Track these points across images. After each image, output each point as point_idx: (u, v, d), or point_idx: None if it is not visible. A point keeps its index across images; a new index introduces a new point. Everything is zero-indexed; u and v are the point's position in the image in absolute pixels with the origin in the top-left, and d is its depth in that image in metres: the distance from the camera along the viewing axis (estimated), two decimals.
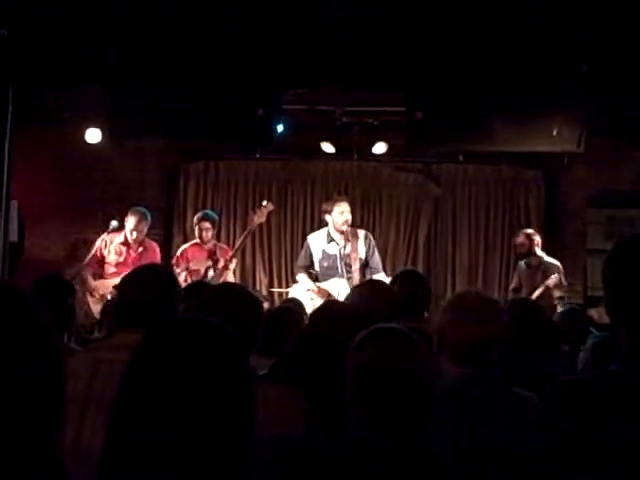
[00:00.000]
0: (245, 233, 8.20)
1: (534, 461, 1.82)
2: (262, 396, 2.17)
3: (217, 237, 8.96)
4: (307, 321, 3.31)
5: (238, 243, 8.27)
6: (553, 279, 7.56)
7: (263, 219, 7.91)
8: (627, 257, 1.82)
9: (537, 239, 7.98)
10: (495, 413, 2.44)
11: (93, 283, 7.42)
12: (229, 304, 2.65)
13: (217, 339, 1.59)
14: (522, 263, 8.10)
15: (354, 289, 4.12)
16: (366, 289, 3.91)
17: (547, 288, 7.55)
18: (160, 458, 1.48)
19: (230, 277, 7.52)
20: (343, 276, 7.00)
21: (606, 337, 3.53)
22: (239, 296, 2.78)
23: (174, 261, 7.80)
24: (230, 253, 7.88)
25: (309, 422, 2.48)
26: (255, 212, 7.86)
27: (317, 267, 7.34)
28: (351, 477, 1.91)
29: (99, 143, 8.41)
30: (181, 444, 1.48)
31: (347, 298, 3.89)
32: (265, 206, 7.84)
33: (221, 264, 7.58)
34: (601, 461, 1.68)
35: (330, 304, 3.45)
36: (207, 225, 7.82)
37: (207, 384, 1.51)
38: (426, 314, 4.49)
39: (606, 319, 1.91)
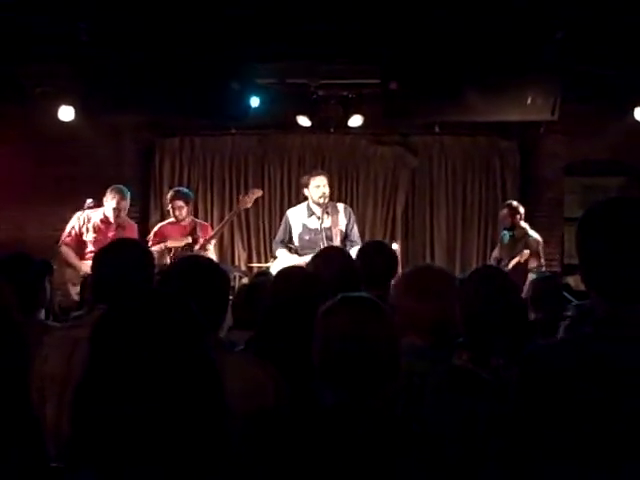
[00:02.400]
0: (229, 216, 8.25)
1: (502, 428, 1.85)
2: (231, 368, 2.18)
3: (195, 213, 8.94)
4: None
5: (219, 226, 8.25)
6: (525, 254, 7.64)
7: (249, 205, 7.96)
8: (598, 222, 1.84)
9: (521, 212, 8.00)
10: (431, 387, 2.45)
11: (78, 261, 7.32)
12: (196, 277, 2.62)
13: (174, 315, 1.59)
14: (506, 232, 8.13)
15: (312, 260, 4.10)
16: (319, 259, 3.92)
17: (519, 262, 7.63)
18: (122, 436, 1.48)
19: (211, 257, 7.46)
20: None
21: (589, 305, 3.55)
22: (206, 269, 2.73)
23: (149, 238, 7.73)
24: (210, 230, 7.87)
25: (279, 393, 2.48)
26: (244, 196, 7.88)
27: (297, 241, 7.31)
28: (320, 447, 1.92)
29: (73, 121, 8.32)
30: (141, 421, 1.48)
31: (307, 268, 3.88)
32: (253, 192, 7.90)
33: (200, 243, 7.54)
34: (572, 423, 1.71)
35: (286, 273, 3.39)
36: (180, 203, 7.68)
37: (164, 359, 1.51)
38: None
39: (582, 286, 1.93)
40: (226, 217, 8.46)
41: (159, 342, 1.53)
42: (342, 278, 3.49)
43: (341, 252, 4.34)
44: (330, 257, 3.95)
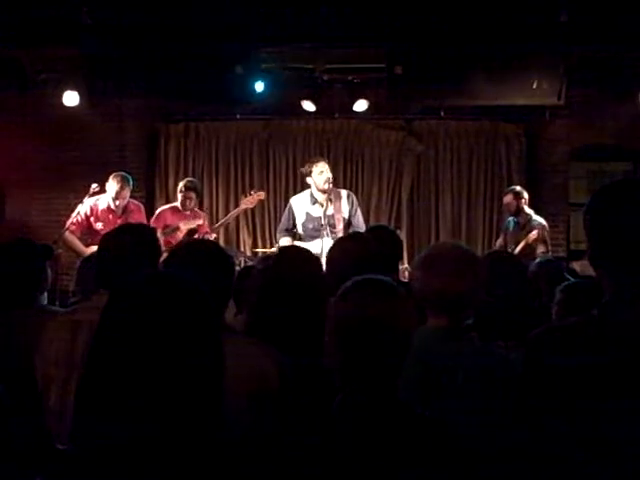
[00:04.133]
0: (229, 215, 8.37)
1: (514, 412, 1.85)
2: (236, 351, 2.17)
3: (200, 199, 8.93)
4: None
5: (221, 221, 8.31)
6: (533, 234, 7.58)
7: (251, 206, 8.03)
8: (607, 203, 1.83)
9: (525, 197, 7.94)
10: (462, 372, 2.43)
11: (82, 247, 7.34)
12: (199, 260, 2.59)
13: (184, 293, 1.58)
14: (510, 219, 8.09)
15: (336, 243, 4.05)
16: (349, 243, 3.86)
17: (527, 244, 7.57)
18: (129, 418, 1.48)
19: None
20: (328, 236, 6.99)
21: (576, 284, 3.54)
22: (211, 253, 2.71)
23: (152, 223, 7.72)
24: (205, 220, 7.93)
25: (283, 377, 2.47)
26: (246, 196, 7.95)
27: (300, 229, 7.32)
28: (326, 433, 1.91)
29: (77, 106, 8.31)
30: (150, 400, 1.48)
31: (329, 252, 3.82)
32: (257, 194, 7.98)
33: (199, 234, 7.59)
34: (577, 406, 1.70)
35: (286, 254, 3.26)
36: (192, 195, 7.79)
37: (174, 338, 1.51)
38: (402, 266, 4.53)
39: (589, 271, 1.92)
40: (222, 219, 8.55)
41: (170, 323, 1.52)
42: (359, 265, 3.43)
43: (355, 239, 4.26)
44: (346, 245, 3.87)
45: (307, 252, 3.17)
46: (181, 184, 7.96)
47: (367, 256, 3.56)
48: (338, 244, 3.90)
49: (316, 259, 3.11)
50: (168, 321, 1.52)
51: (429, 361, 2.44)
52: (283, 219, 7.55)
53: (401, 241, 4.56)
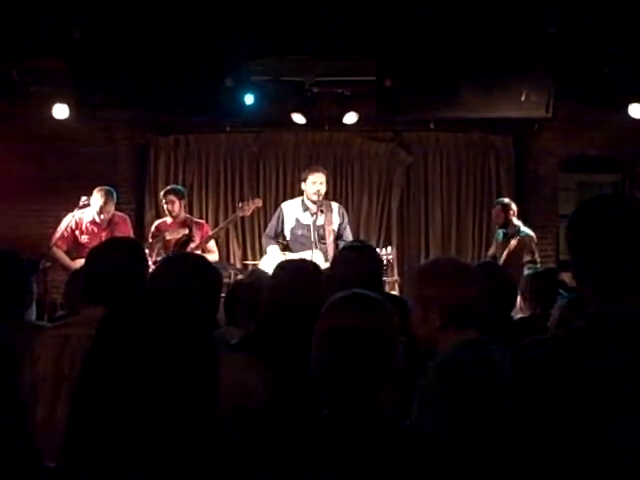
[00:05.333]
0: (226, 222, 8.41)
1: (502, 424, 1.85)
2: (222, 364, 2.17)
3: (189, 211, 8.92)
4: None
5: (216, 229, 8.30)
6: (513, 243, 7.66)
7: (247, 213, 7.98)
8: (588, 218, 1.84)
9: (513, 208, 7.99)
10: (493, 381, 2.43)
11: (69, 261, 7.34)
12: (186, 274, 2.60)
13: (180, 308, 1.59)
14: (500, 231, 8.14)
15: (340, 253, 4.02)
16: (354, 254, 3.80)
17: (510, 252, 7.63)
18: (123, 433, 1.47)
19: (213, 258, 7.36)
20: (316, 247, 7.00)
21: (574, 297, 3.56)
22: (197, 266, 2.72)
23: (149, 242, 7.67)
24: (205, 228, 7.91)
25: (269, 392, 2.46)
26: (242, 204, 7.91)
27: (288, 235, 7.32)
28: (312, 450, 1.91)
29: (67, 119, 8.31)
30: (145, 415, 1.48)
31: (333, 263, 3.79)
32: (253, 201, 7.94)
33: (196, 242, 7.56)
34: (570, 417, 1.71)
35: (287, 267, 3.26)
36: (171, 197, 7.71)
37: (171, 353, 1.51)
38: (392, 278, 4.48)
39: None
40: (221, 224, 8.55)
41: (165, 337, 1.53)
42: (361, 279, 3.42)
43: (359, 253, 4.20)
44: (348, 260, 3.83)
45: (313, 264, 3.20)
46: (160, 195, 7.96)
47: (371, 266, 3.57)
48: (342, 254, 3.89)
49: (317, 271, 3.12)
50: (164, 335, 1.53)
51: (477, 374, 2.45)
52: (271, 224, 7.55)
53: (381, 258, 4.54)
